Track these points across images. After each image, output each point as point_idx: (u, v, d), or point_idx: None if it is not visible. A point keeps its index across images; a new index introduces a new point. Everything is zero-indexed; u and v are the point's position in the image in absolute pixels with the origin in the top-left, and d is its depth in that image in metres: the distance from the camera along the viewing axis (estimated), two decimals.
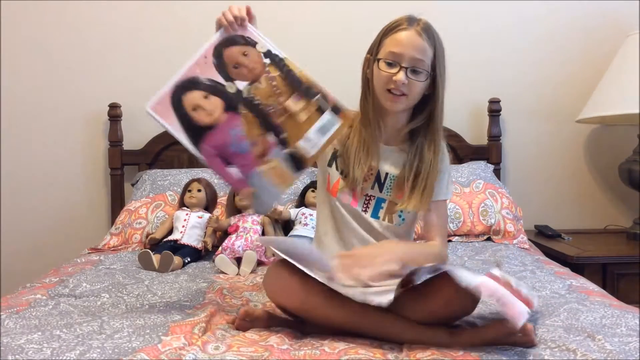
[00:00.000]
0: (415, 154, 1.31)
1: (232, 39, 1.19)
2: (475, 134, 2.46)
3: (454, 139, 2.39)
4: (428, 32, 1.27)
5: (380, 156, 1.34)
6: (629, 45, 2.17)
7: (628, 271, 1.95)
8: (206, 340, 1.06)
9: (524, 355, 0.99)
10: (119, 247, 1.99)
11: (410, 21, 1.27)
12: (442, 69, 1.28)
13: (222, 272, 1.68)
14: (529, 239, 2.11)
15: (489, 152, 2.40)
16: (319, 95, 1.17)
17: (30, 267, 2.34)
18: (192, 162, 2.39)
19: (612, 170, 2.39)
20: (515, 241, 2.00)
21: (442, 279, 1.12)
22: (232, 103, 1.18)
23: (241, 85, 1.18)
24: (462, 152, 2.40)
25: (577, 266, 1.86)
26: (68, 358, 0.99)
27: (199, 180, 2.03)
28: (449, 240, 2.03)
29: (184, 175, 2.19)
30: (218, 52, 1.19)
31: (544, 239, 2.24)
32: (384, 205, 1.34)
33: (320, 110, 1.18)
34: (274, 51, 1.18)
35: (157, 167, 2.36)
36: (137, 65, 2.42)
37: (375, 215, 1.34)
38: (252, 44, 1.19)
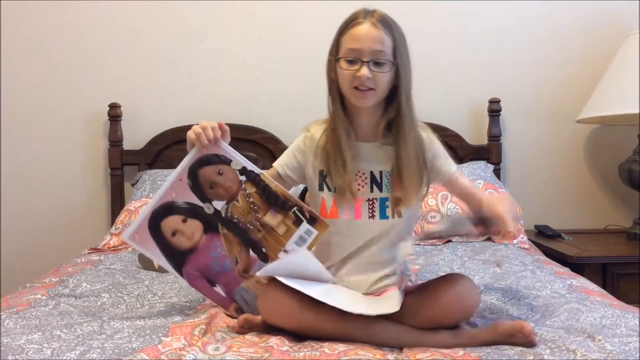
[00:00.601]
0: (398, 145, 1.26)
1: (206, 158, 1.19)
2: (475, 134, 2.46)
3: (454, 139, 2.39)
4: (384, 21, 1.23)
5: (364, 156, 1.29)
6: (629, 45, 2.17)
7: (628, 271, 1.94)
8: (206, 342, 1.06)
9: (524, 355, 0.99)
10: (119, 247, 1.99)
11: (365, 14, 1.24)
12: (404, 57, 1.24)
13: None
14: (529, 239, 2.11)
15: (489, 152, 2.40)
16: (295, 208, 1.19)
17: (30, 267, 2.33)
18: None
19: (612, 170, 2.39)
20: (515, 241, 2.00)
21: (442, 284, 1.13)
22: (211, 224, 1.20)
23: (219, 205, 1.20)
24: (462, 152, 2.40)
25: (577, 266, 1.86)
26: (68, 358, 0.99)
27: None
28: (449, 241, 2.03)
29: None
30: (193, 173, 1.20)
31: (544, 239, 2.24)
32: (388, 203, 1.28)
33: (297, 223, 1.20)
34: (249, 167, 1.20)
35: (157, 167, 2.35)
36: (137, 65, 2.41)
37: (383, 216, 1.27)
38: (227, 162, 1.19)
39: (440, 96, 2.44)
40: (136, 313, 1.27)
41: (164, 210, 1.19)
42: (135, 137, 2.40)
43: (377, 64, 1.21)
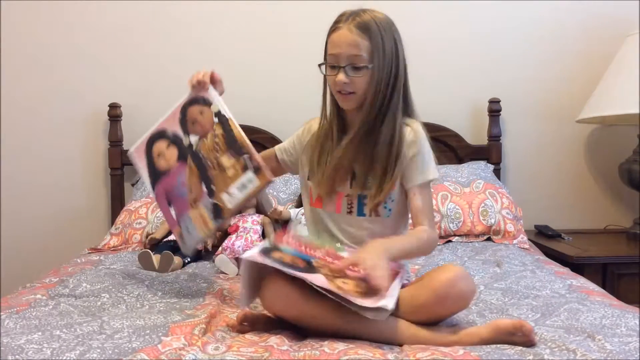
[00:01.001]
0: (373, 145, 1.27)
1: (195, 99, 1.36)
2: (475, 134, 2.46)
3: (454, 139, 2.39)
4: (361, 25, 1.23)
5: (350, 153, 1.30)
6: (629, 45, 2.17)
7: (628, 271, 1.94)
8: (206, 341, 1.06)
9: (524, 355, 0.98)
10: (119, 247, 1.99)
11: (346, 17, 1.26)
12: (380, 59, 1.24)
13: (222, 272, 1.68)
14: (529, 239, 2.11)
15: (489, 152, 2.40)
16: (246, 155, 1.30)
17: (30, 267, 2.34)
18: None
19: (612, 170, 2.39)
20: (515, 241, 2.00)
21: (435, 273, 1.13)
22: (183, 153, 1.36)
23: (193, 139, 1.36)
24: (462, 152, 2.40)
25: (577, 266, 1.86)
26: (68, 358, 0.99)
27: None
28: (449, 241, 2.03)
29: None
30: (184, 109, 1.37)
31: (544, 239, 2.24)
32: (366, 201, 1.30)
33: (245, 169, 1.30)
34: (222, 112, 1.34)
35: None
36: (137, 65, 2.42)
37: (361, 213, 1.30)
38: (209, 104, 1.35)
39: (440, 96, 2.44)
40: (136, 313, 1.26)
41: (158, 134, 1.39)
42: (135, 137, 2.38)
43: (355, 68, 1.24)
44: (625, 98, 2.09)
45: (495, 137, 2.40)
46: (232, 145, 1.32)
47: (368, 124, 1.27)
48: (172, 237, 1.88)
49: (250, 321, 1.17)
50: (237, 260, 1.74)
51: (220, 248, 1.78)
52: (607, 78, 2.21)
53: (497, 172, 2.36)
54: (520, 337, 1.04)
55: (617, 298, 1.39)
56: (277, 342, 1.07)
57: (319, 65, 1.31)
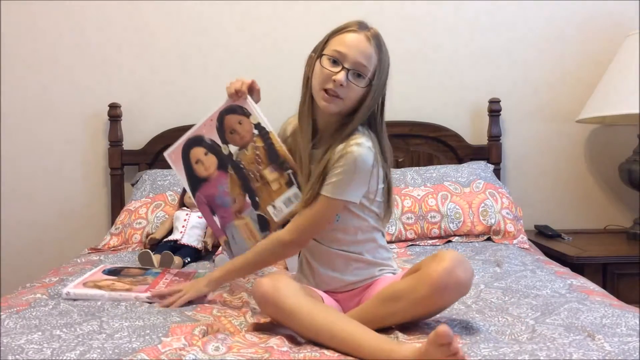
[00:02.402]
0: (323, 154, 1.25)
1: (233, 107, 1.37)
2: (475, 134, 2.46)
3: (454, 139, 2.39)
4: (377, 40, 1.24)
5: (313, 160, 1.29)
6: (629, 45, 2.17)
7: (628, 271, 1.94)
8: (206, 341, 1.06)
9: (520, 355, 0.98)
10: (119, 247, 1.99)
11: (361, 26, 1.25)
12: (381, 81, 1.24)
13: None
14: (529, 239, 2.11)
15: (489, 152, 2.40)
16: (290, 171, 1.32)
17: (30, 267, 2.34)
18: None
19: (612, 170, 2.40)
20: (515, 241, 2.00)
21: (431, 263, 1.12)
22: (223, 162, 1.38)
23: (233, 149, 1.37)
24: (462, 152, 2.40)
25: (577, 266, 1.86)
26: (68, 358, 0.99)
27: None
28: (449, 241, 2.03)
29: None
30: (221, 117, 1.38)
31: (544, 239, 2.24)
32: None
33: (289, 185, 1.32)
34: (262, 124, 1.35)
35: (157, 167, 2.35)
36: (137, 65, 2.42)
37: None
38: (247, 114, 1.36)
39: (440, 96, 2.44)
40: (135, 313, 1.27)
41: (194, 141, 1.40)
42: (135, 137, 2.40)
43: (357, 75, 1.22)
44: (625, 98, 2.09)
45: (495, 137, 2.40)
46: (274, 159, 1.35)
47: (340, 135, 1.24)
48: (172, 237, 1.88)
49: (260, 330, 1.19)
50: None
51: (220, 248, 1.78)
52: (607, 78, 2.21)
53: (497, 172, 2.35)
54: (449, 348, 0.93)
55: (617, 298, 1.39)
56: (277, 343, 1.07)
57: (312, 57, 1.27)
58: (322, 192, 1.23)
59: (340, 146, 1.23)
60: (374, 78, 1.23)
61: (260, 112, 1.36)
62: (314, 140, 1.30)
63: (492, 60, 2.44)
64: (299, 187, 1.30)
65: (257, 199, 1.34)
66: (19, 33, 2.39)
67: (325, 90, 1.22)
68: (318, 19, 2.38)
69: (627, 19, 2.37)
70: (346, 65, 1.21)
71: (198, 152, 1.39)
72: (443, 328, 0.92)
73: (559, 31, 2.43)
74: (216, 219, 1.41)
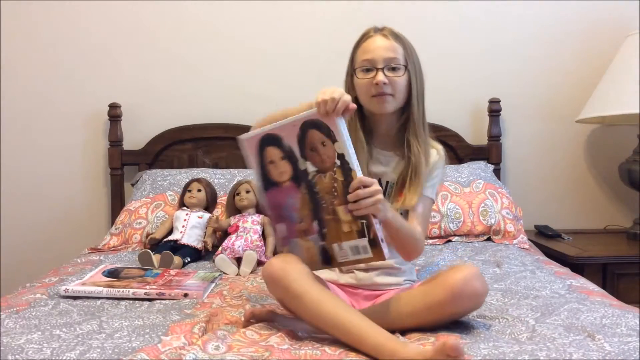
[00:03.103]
0: (406, 154, 1.32)
1: (319, 124, 1.19)
2: (475, 134, 2.46)
3: (454, 139, 2.39)
4: (393, 34, 1.31)
5: (378, 162, 1.35)
6: (629, 45, 2.17)
7: (628, 271, 1.94)
8: (207, 340, 1.06)
9: (520, 355, 0.98)
10: (119, 247, 1.99)
11: (375, 29, 1.32)
12: (415, 64, 1.32)
13: (222, 272, 1.68)
14: (529, 239, 2.11)
15: (489, 152, 2.40)
16: (365, 222, 1.18)
17: (30, 267, 2.34)
18: (192, 162, 2.39)
19: (612, 170, 2.40)
20: (515, 241, 2.00)
21: (449, 271, 1.14)
22: (298, 176, 1.23)
23: (310, 167, 1.22)
24: (462, 152, 2.40)
25: (577, 266, 1.86)
26: (68, 358, 0.99)
27: (199, 180, 2.03)
28: (449, 240, 2.03)
29: (184, 175, 2.19)
30: (304, 127, 1.22)
31: (544, 239, 2.24)
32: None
33: (361, 234, 1.19)
34: (347, 157, 1.18)
35: (157, 167, 2.36)
36: (137, 65, 2.42)
37: None
38: (333, 139, 1.18)
39: (440, 96, 2.43)
40: (135, 312, 1.27)
41: (273, 139, 1.24)
42: (135, 137, 2.40)
43: (392, 69, 1.28)
44: (625, 98, 2.09)
45: (495, 137, 2.40)
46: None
47: (401, 133, 1.32)
48: (172, 237, 1.88)
49: (258, 319, 1.19)
50: (237, 260, 1.74)
51: (220, 248, 1.78)
52: (607, 78, 2.21)
53: (497, 172, 2.36)
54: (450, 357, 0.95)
55: (617, 298, 1.39)
56: (278, 341, 1.07)
57: (348, 79, 1.33)
58: (426, 194, 1.32)
59: (433, 151, 1.35)
60: (407, 64, 1.29)
61: (348, 144, 1.17)
62: (374, 144, 1.36)
63: (492, 60, 2.44)
64: (371, 244, 1.18)
65: (324, 230, 1.21)
66: (19, 33, 2.39)
67: (374, 95, 1.28)
68: (319, 20, 2.38)
69: (627, 19, 2.38)
70: (379, 66, 1.27)
71: (274, 153, 1.24)
72: (455, 342, 0.93)
73: (559, 31, 2.43)
74: (281, 227, 1.28)
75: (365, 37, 1.32)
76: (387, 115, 1.32)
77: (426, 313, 1.12)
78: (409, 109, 1.32)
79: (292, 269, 1.13)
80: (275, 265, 1.14)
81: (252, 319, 1.19)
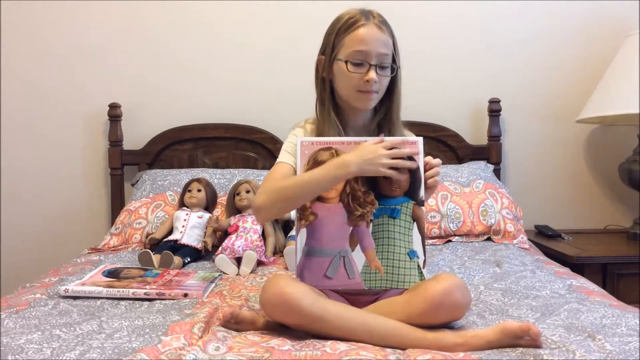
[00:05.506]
0: None
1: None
2: (475, 134, 2.46)
3: (454, 139, 2.39)
4: (385, 23, 1.26)
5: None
6: (629, 45, 2.17)
7: (628, 271, 1.94)
8: (207, 340, 1.06)
9: (524, 356, 0.98)
10: (119, 247, 1.99)
11: (366, 15, 1.25)
12: (399, 58, 1.29)
13: (222, 272, 1.68)
14: (529, 239, 2.10)
15: (489, 152, 2.40)
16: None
17: (30, 267, 2.34)
18: (192, 162, 2.39)
19: (612, 170, 2.40)
20: (515, 241, 2.00)
21: (430, 282, 1.13)
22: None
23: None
24: (462, 152, 2.40)
25: (577, 266, 1.86)
26: (68, 358, 0.99)
27: (199, 180, 2.03)
28: (449, 240, 2.03)
29: (184, 175, 2.19)
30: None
31: (544, 239, 2.24)
32: None
33: None
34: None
35: (157, 167, 2.36)
36: (137, 65, 2.41)
37: None
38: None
39: (440, 96, 2.44)
40: (135, 313, 1.27)
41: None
42: (135, 137, 2.40)
43: (382, 67, 1.25)
44: (625, 98, 2.09)
45: (495, 137, 2.40)
46: None
47: (380, 126, 1.30)
48: (172, 237, 1.88)
49: (236, 320, 1.16)
50: (237, 260, 1.74)
51: (220, 248, 1.78)
52: (607, 78, 2.21)
53: (497, 172, 2.36)
54: (528, 341, 1.01)
55: (617, 298, 1.39)
56: (279, 342, 1.07)
57: (323, 60, 1.28)
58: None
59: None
60: (394, 61, 1.27)
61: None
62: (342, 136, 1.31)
63: (492, 60, 2.44)
64: None
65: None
66: (19, 33, 2.39)
67: (359, 90, 1.25)
68: (319, 20, 2.37)
69: (627, 19, 2.37)
70: (372, 62, 1.23)
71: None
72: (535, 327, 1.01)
73: (559, 31, 2.43)
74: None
75: (356, 23, 1.24)
76: (368, 109, 1.31)
77: (407, 323, 1.10)
78: (386, 103, 1.31)
79: (300, 293, 1.08)
80: (284, 294, 1.08)
81: (231, 320, 1.16)
